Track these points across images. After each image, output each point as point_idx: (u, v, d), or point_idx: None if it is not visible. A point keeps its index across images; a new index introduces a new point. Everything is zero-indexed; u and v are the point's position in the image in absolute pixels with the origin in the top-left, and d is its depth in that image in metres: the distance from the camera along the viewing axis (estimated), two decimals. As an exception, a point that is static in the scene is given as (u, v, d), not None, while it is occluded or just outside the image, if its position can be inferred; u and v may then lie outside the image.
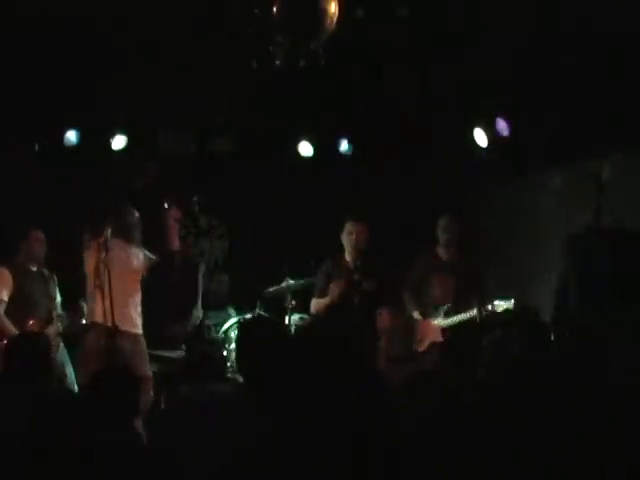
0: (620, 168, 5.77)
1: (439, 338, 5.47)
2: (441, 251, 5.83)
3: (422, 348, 5.62)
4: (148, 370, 5.07)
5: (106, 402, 2.82)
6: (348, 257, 5.77)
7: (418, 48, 5.48)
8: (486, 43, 5.34)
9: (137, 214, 5.34)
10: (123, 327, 4.90)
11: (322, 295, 5.78)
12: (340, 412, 2.59)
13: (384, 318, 5.65)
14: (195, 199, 7.54)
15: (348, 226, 5.74)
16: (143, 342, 5.17)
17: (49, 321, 5.33)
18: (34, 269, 5.43)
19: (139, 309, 5.22)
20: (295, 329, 6.31)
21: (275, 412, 2.67)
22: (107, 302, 4.84)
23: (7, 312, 5.19)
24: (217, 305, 7.16)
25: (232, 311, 7.03)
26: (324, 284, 5.79)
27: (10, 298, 5.23)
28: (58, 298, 5.57)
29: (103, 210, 5.24)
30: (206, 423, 2.70)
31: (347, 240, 5.73)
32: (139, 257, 5.29)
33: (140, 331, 5.17)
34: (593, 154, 5.91)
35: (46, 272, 5.53)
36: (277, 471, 2.46)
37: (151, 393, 4.95)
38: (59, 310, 5.51)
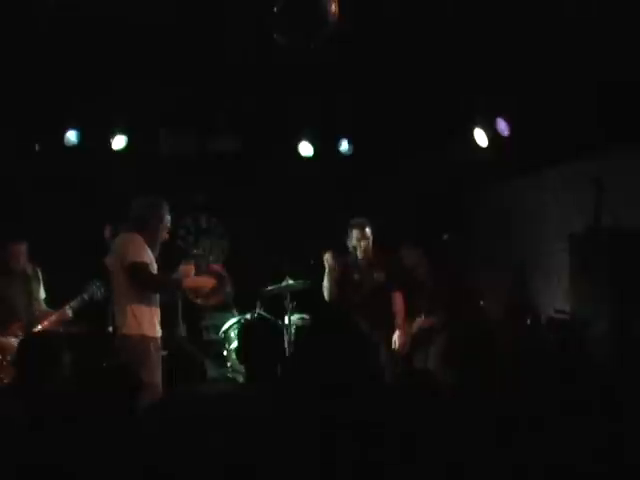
0: (619, 168, 5.77)
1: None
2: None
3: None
4: (151, 376, 4.51)
5: (103, 402, 2.82)
6: (360, 255, 5.83)
7: (418, 48, 5.48)
8: (486, 43, 5.34)
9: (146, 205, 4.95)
10: (123, 330, 4.68)
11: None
12: (341, 408, 2.59)
13: (398, 300, 5.80)
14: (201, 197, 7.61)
15: (355, 232, 5.82)
16: (146, 345, 4.69)
17: (32, 324, 5.22)
18: (17, 272, 5.35)
19: (149, 311, 4.75)
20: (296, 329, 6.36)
21: (277, 409, 2.68)
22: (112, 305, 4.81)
23: None
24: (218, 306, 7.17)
25: (235, 313, 7.00)
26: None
27: None
28: (42, 295, 5.49)
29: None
30: (205, 423, 2.71)
31: (356, 245, 5.83)
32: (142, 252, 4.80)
33: (145, 333, 4.71)
34: (592, 154, 5.92)
35: (30, 271, 5.44)
36: (277, 468, 2.47)
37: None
38: (44, 307, 5.45)
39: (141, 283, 4.71)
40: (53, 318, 5.33)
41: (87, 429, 2.68)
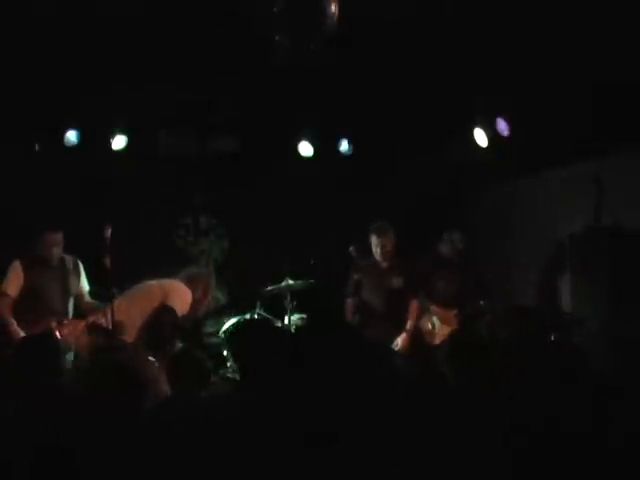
0: (620, 168, 5.77)
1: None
2: (444, 250, 6.30)
3: (439, 340, 5.81)
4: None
5: (104, 401, 2.83)
6: (379, 259, 5.96)
7: (417, 48, 5.48)
8: (485, 43, 5.34)
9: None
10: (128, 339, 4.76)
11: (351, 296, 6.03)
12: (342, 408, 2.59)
13: (414, 307, 5.94)
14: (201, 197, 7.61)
15: (374, 239, 5.94)
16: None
17: (63, 318, 5.19)
18: (52, 264, 5.29)
19: None
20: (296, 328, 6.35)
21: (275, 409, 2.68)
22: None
23: (18, 307, 5.10)
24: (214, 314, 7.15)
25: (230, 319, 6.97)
26: (354, 289, 6.02)
27: (22, 293, 5.14)
28: (86, 287, 5.46)
29: None
30: (203, 423, 2.71)
31: (375, 250, 5.95)
32: None
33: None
34: (592, 154, 5.92)
35: (70, 264, 5.37)
36: (271, 466, 2.47)
37: None
38: (89, 299, 5.42)
39: (153, 330, 4.75)
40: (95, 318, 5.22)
41: (93, 428, 2.69)
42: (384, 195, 7.42)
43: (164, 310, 4.71)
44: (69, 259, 5.40)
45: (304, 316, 6.71)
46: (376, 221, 6.03)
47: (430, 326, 6.10)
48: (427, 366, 5.33)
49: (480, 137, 6.61)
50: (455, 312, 6.02)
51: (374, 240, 5.93)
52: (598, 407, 2.66)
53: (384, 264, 5.94)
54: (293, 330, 6.41)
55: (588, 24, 4.83)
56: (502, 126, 6.37)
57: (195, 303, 5.00)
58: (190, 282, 5.02)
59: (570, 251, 5.99)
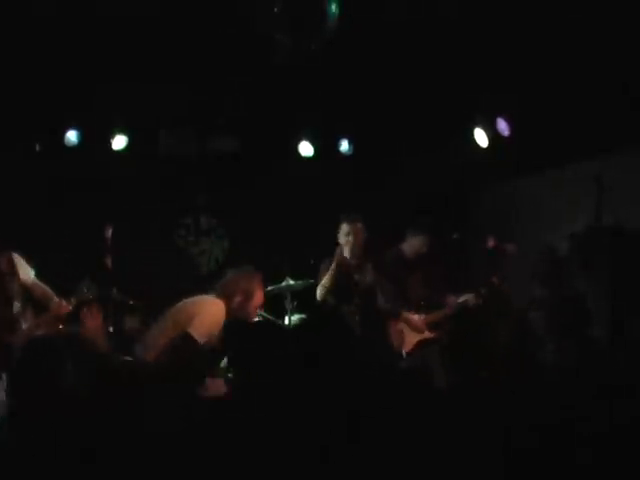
0: (621, 167, 5.77)
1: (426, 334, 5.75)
2: (406, 249, 6.07)
3: (408, 348, 5.71)
4: None
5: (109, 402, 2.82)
6: (347, 254, 5.66)
7: (418, 48, 5.49)
8: (486, 43, 5.34)
9: None
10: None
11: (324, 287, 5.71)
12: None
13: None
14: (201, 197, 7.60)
15: (344, 227, 5.64)
16: None
17: (12, 327, 4.85)
18: None
19: None
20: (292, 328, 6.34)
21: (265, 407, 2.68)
22: None
23: None
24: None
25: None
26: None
27: None
28: (31, 276, 5.00)
29: None
30: (203, 423, 2.71)
31: (345, 240, 5.64)
32: None
33: None
34: (594, 154, 5.92)
35: (3, 265, 4.91)
36: (271, 467, 2.47)
37: None
38: (38, 283, 4.99)
39: (173, 358, 4.50)
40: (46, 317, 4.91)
41: (92, 429, 2.69)
42: (384, 195, 7.41)
43: (184, 337, 4.50)
44: (2, 259, 4.98)
45: (304, 316, 6.71)
46: (366, 218, 5.74)
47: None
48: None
49: (480, 137, 6.61)
50: (423, 318, 5.81)
51: (344, 228, 5.59)
52: (600, 406, 2.66)
53: (352, 261, 5.63)
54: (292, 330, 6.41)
55: (590, 23, 4.83)
56: (502, 126, 6.37)
57: (236, 310, 4.52)
58: (223, 293, 4.70)
59: (571, 250, 5.99)
